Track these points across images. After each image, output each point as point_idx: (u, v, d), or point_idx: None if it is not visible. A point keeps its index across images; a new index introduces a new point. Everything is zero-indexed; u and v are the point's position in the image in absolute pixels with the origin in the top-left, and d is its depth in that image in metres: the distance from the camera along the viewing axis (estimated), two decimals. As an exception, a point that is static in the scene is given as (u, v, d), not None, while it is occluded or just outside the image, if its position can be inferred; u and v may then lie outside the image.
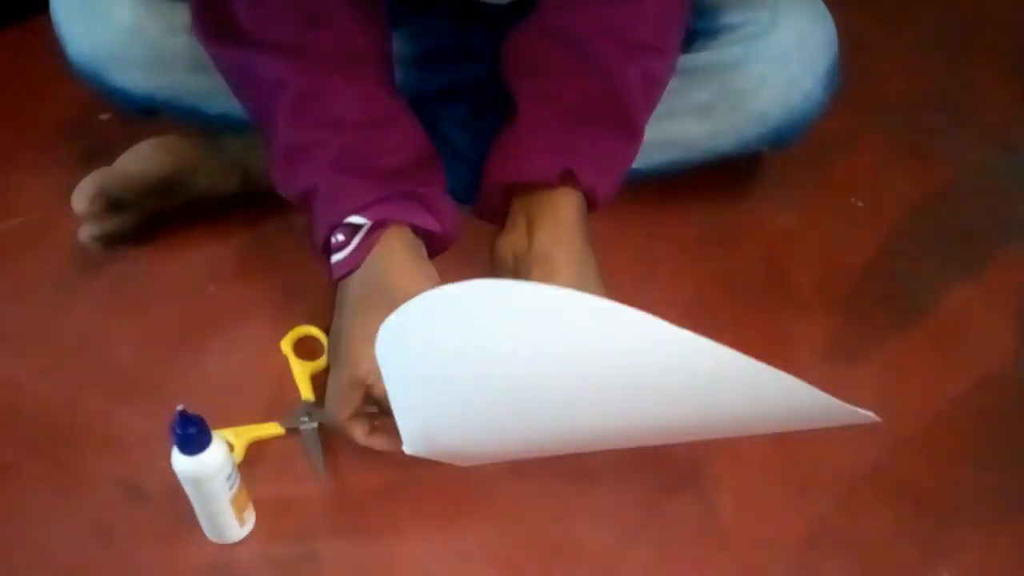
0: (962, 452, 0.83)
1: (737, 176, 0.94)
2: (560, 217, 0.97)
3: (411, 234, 0.99)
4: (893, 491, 0.84)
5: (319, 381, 1.12)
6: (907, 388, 0.87)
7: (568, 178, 0.96)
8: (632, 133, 0.96)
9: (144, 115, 1.14)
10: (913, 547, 0.83)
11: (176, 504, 0.94)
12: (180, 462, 0.90)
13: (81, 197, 1.15)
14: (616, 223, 0.85)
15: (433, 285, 0.94)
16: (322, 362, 1.14)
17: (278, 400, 1.11)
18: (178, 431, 0.88)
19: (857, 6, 0.93)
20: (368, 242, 0.96)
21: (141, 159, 1.18)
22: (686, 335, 0.64)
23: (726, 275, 0.83)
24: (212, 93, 1.06)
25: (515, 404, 0.80)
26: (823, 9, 0.89)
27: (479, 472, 1.01)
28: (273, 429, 1.08)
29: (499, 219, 1.06)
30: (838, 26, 0.85)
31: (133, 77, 1.01)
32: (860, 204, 0.89)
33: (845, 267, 0.86)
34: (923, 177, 0.95)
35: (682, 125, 0.97)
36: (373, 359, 0.89)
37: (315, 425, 1.07)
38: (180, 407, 0.87)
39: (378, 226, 0.96)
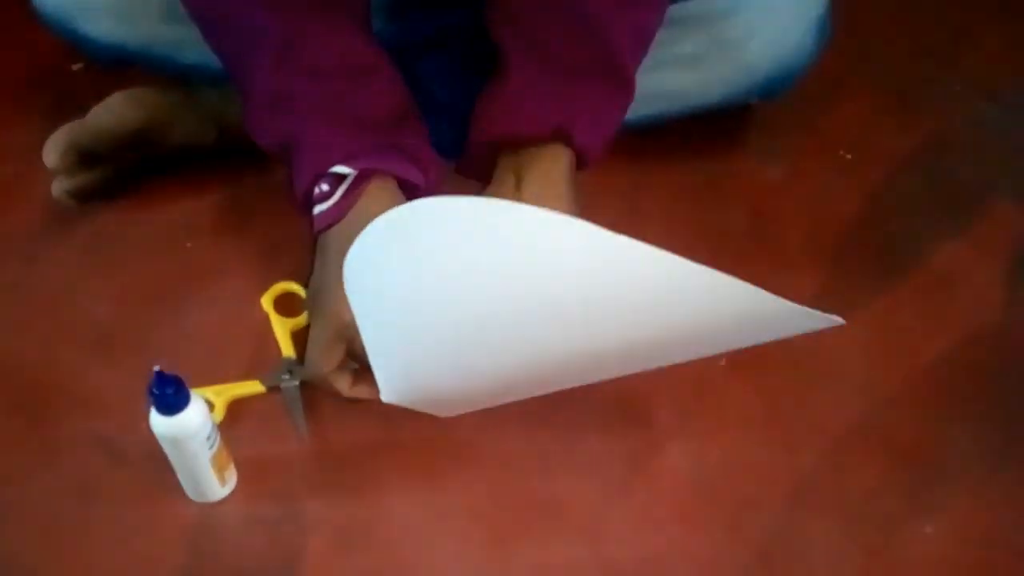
0: (948, 407, 0.83)
1: (725, 128, 0.93)
2: (550, 174, 0.96)
3: (396, 186, 0.97)
4: (879, 446, 0.84)
5: (300, 338, 1.11)
6: (894, 342, 0.86)
7: (560, 134, 0.94)
8: (624, 88, 0.94)
9: (115, 66, 1.10)
10: (898, 502, 0.83)
11: (156, 463, 0.93)
12: (158, 423, 0.88)
13: (52, 151, 1.12)
14: (603, 175, 0.85)
15: None
16: (303, 319, 1.13)
17: (259, 358, 1.09)
18: (155, 392, 0.86)
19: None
20: (354, 193, 0.94)
21: (113, 111, 1.14)
22: (644, 248, 0.65)
23: (713, 227, 0.83)
24: (185, 43, 1.02)
25: (484, 328, 0.78)
26: None
27: (462, 428, 1.00)
28: (254, 387, 1.06)
29: (484, 175, 1.04)
30: None
31: (103, 26, 0.98)
32: (848, 156, 0.88)
33: (833, 220, 0.85)
34: (912, 128, 0.94)
35: (670, 76, 0.95)
36: None
37: (297, 383, 1.06)
38: (156, 367, 0.86)
39: (364, 176, 0.94)
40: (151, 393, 0.86)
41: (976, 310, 0.85)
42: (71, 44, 1.04)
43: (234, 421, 1.03)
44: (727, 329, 0.72)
